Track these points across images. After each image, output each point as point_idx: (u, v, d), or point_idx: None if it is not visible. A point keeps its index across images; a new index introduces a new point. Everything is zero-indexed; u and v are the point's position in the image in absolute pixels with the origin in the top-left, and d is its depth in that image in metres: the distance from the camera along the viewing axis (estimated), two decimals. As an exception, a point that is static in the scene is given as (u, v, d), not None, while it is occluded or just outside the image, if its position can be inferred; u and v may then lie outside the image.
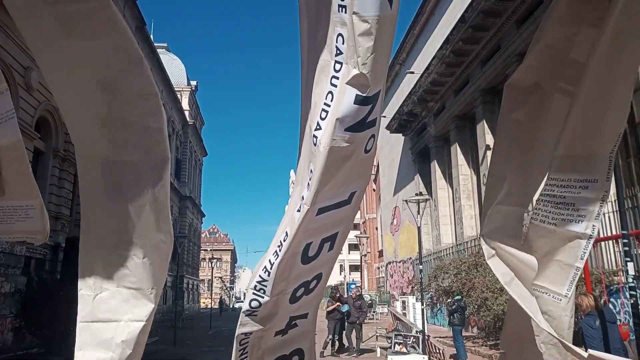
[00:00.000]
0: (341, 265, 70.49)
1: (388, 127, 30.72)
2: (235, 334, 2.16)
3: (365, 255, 46.92)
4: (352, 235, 63.38)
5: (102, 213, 2.12)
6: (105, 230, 2.13)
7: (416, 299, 17.85)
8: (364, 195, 44.37)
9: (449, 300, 12.36)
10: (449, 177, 24.55)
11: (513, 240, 2.50)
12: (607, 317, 5.44)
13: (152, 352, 13.58)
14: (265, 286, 2.02)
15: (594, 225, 2.25)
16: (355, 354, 12.64)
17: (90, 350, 2.12)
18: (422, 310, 11.60)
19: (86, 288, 2.22)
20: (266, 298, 2.03)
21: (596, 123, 2.16)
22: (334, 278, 66.56)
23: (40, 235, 2.78)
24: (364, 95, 1.94)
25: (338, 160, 1.95)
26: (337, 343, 12.97)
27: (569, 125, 2.19)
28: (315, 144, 1.93)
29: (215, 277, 70.57)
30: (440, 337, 13.74)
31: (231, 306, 68.40)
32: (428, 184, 26.91)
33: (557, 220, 2.32)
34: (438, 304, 14.06)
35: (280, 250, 1.98)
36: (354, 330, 13.07)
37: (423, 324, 11.40)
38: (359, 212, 56.52)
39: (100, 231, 2.14)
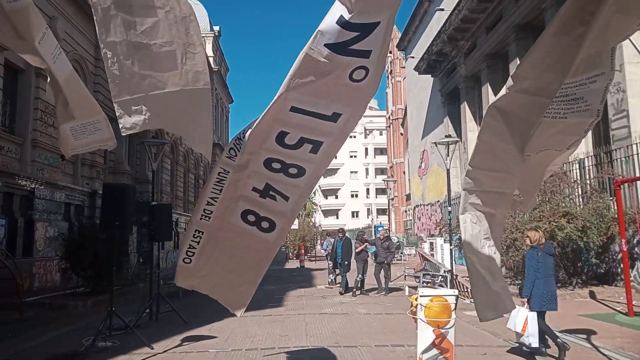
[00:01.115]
0: (369, 209, 71.20)
1: (416, 68, 29.85)
2: (215, 167, 2.71)
3: (392, 199, 47.13)
4: (379, 179, 63.37)
5: None
6: None
7: (444, 240, 18.02)
8: (391, 141, 43.79)
9: None
10: (479, 118, 23.98)
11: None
12: (546, 251, 6.31)
13: (189, 291, 14.24)
14: (240, 145, 2.54)
15: (598, 110, 2.67)
16: (384, 293, 13.01)
17: None
18: (451, 250, 11.74)
19: None
20: (239, 154, 2.56)
21: (604, 28, 2.42)
22: (362, 221, 67.45)
23: (111, 142, 3.32)
24: (347, 19, 2.04)
25: (314, 71, 2.17)
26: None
27: (589, 36, 2.44)
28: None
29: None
30: (467, 277, 13.94)
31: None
32: (457, 126, 26.40)
33: (568, 113, 2.69)
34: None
35: (254, 125, 2.43)
36: (382, 270, 13.37)
37: (451, 264, 11.58)
38: (386, 157, 56.13)
39: None
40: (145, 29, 2.58)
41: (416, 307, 3.13)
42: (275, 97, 2.30)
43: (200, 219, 2.88)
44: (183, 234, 31.29)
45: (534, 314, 6.00)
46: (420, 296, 3.08)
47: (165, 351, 6.94)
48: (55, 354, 6.76)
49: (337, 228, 17.58)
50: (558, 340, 6.03)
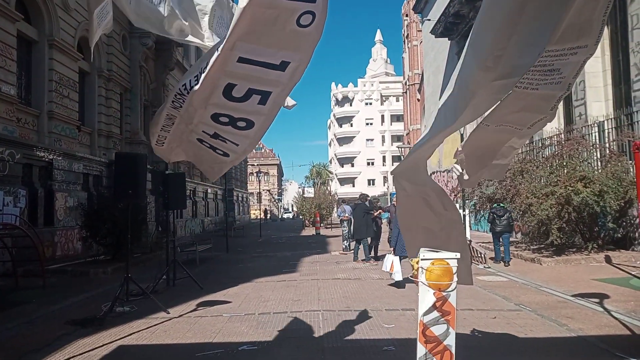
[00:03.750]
0: (385, 177, 71.00)
1: (433, 32, 29.12)
2: (161, 111, 2.77)
3: (409, 166, 46.79)
4: (394, 147, 62.79)
5: None
6: None
7: (459, 206, 17.92)
8: (407, 107, 42.97)
9: (494, 205, 12.47)
10: (496, 82, 23.43)
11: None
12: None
13: (206, 258, 14.60)
14: (184, 99, 2.52)
15: (569, 84, 2.57)
16: (397, 259, 13.10)
17: None
18: (465, 216, 11.69)
19: None
20: (184, 107, 2.56)
21: None
22: (378, 189, 67.37)
23: (109, 24, 3.40)
24: None
25: (258, 20, 2.16)
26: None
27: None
28: None
29: (263, 190, 73.10)
30: (482, 242, 13.92)
31: (279, 217, 71.20)
32: (474, 90, 25.84)
33: (540, 84, 2.57)
34: (482, 211, 14.08)
35: (200, 77, 2.38)
36: (396, 236, 13.43)
37: (465, 229, 11.55)
38: (402, 124, 55.25)
39: None
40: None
41: (417, 270, 3.12)
42: (220, 49, 2.27)
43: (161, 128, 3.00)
44: (200, 203, 31.60)
45: (398, 258, 8.86)
46: (422, 259, 3.06)
47: (180, 315, 7.14)
48: (76, 318, 7.00)
49: (352, 196, 17.54)
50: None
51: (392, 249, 9.11)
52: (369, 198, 14.37)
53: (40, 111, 14.71)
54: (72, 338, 5.99)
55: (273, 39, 2.26)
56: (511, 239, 16.08)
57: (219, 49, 2.29)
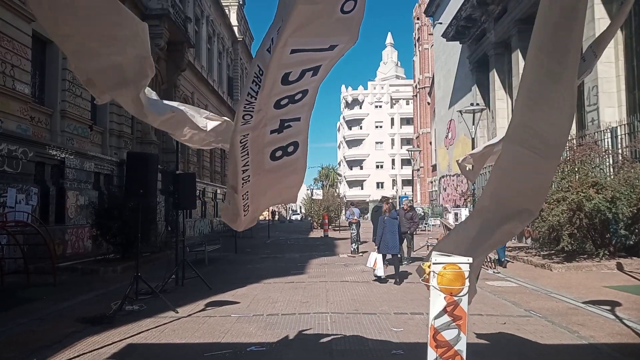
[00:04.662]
0: (394, 180, 70.82)
1: (444, 35, 29.03)
2: (234, 138, 2.82)
3: (418, 170, 46.70)
4: (404, 150, 62.64)
5: None
6: None
7: (469, 210, 17.82)
8: (417, 110, 43.14)
9: None
10: (508, 87, 23.28)
11: None
12: (391, 216, 10.31)
13: (215, 258, 14.64)
14: (253, 106, 2.65)
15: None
16: (406, 262, 13.04)
17: None
18: (474, 221, 11.62)
19: None
20: (254, 113, 2.69)
21: None
22: (386, 192, 67.17)
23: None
24: None
25: (306, 16, 2.28)
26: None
27: None
28: None
29: (271, 192, 73.06)
30: (492, 248, 13.86)
31: (288, 218, 71.25)
32: (486, 94, 25.71)
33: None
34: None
35: (260, 81, 2.52)
36: (405, 240, 13.36)
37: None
38: (412, 127, 55.31)
39: None
40: None
41: (429, 274, 3.10)
42: (273, 51, 2.40)
43: (243, 185, 3.12)
44: (219, 204, 31.62)
45: (381, 256, 9.95)
46: (433, 263, 3.04)
47: (189, 315, 7.16)
48: (86, 315, 7.05)
49: (361, 198, 17.46)
50: (398, 275, 10.01)
51: (376, 247, 10.26)
52: (390, 200, 14.44)
53: (53, 110, 14.87)
54: (82, 335, 6.03)
55: (321, 29, 2.39)
56: (521, 245, 15.97)
57: (271, 49, 2.41)
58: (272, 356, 5.17)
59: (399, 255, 10.52)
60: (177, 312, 7.23)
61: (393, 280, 10.00)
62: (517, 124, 2.80)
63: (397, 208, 17.81)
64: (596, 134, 13.57)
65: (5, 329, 6.53)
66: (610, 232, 11.68)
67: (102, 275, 11.61)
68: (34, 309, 7.79)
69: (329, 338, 5.86)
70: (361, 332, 6.05)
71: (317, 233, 31.36)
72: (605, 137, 13.19)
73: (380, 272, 9.89)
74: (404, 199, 19.61)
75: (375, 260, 9.93)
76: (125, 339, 5.87)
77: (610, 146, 12.92)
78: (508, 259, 11.54)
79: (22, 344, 5.81)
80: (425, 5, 37.96)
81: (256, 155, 3.03)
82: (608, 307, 7.13)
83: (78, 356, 5.21)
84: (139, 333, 6.14)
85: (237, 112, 2.74)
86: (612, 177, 11.64)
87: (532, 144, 2.73)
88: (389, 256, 10.32)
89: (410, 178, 54.11)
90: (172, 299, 7.96)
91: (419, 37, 49.32)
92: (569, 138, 13.67)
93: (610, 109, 13.79)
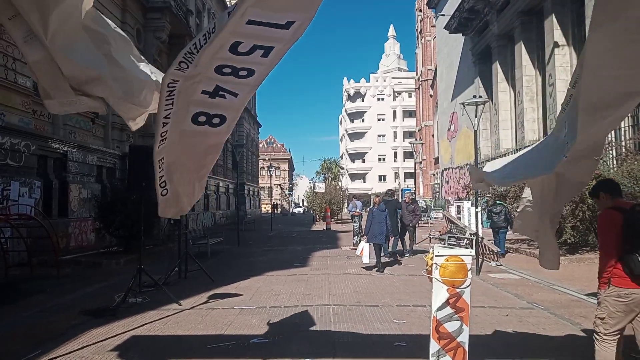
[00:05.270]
0: (396, 173, 70.74)
1: (447, 27, 28.88)
2: (165, 79, 2.76)
3: (420, 163, 46.60)
4: (407, 143, 62.49)
5: None
6: None
7: (471, 203, 17.82)
8: (419, 103, 42.97)
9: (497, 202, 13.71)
10: (511, 79, 23.19)
11: None
12: (379, 209, 10.78)
13: (217, 251, 14.67)
14: (193, 58, 2.61)
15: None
16: (408, 255, 13.06)
17: None
18: (477, 213, 11.59)
19: None
20: (191, 65, 2.64)
21: None
22: (389, 185, 67.15)
23: (100, 110, 3.43)
24: None
25: None
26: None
27: None
28: None
29: (274, 185, 73.29)
30: (492, 240, 13.82)
31: (290, 211, 71.33)
32: (488, 87, 25.61)
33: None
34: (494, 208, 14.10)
35: (209, 38, 2.51)
36: (407, 232, 13.37)
37: (477, 226, 11.45)
38: (414, 119, 54.95)
39: None
40: None
41: (431, 266, 3.10)
42: (232, 16, 2.41)
43: (160, 145, 3.02)
44: (211, 197, 31.78)
45: (369, 245, 10.64)
46: (436, 255, 3.04)
47: (192, 307, 7.19)
48: (89, 308, 7.09)
49: (363, 192, 17.50)
50: (379, 263, 10.60)
51: (365, 237, 10.87)
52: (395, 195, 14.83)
53: (56, 103, 14.83)
54: (85, 327, 6.06)
55: (281, 3, 2.38)
56: (523, 237, 15.94)
57: (231, 14, 2.41)
58: (275, 348, 5.19)
59: (383, 246, 11.01)
60: (180, 305, 7.26)
61: (375, 269, 10.58)
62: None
63: (400, 200, 17.82)
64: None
65: (10, 322, 6.57)
66: (613, 225, 11.65)
67: (105, 268, 11.66)
68: (38, 301, 7.83)
69: (332, 330, 5.88)
70: (363, 324, 6.07)
71: (319, 226, 31.41)
72: (609, 129, 13.14)
73: (366, 259, 10.66)
74: (406, 192, 19.58)
75: (362, 249, 10.72)
76: (128, 331, 5.90)
77: (613, 138, 12.86)
78: (509, 251, 11.60)
79: (26, 336, 5.84)
80: (428, -3, 37.69)
81: (179, 109, 2.96)
82: (611, 300, 7.11)
83: (82, 348, 5.23)
84: (142, 325, 6.17)
85: (177, 56, 2.71)
86: (615, 169, 11.59)
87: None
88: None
89: (413, 171, 54.07)
90: (175, 291, 7.99)
91: (421, 30, 49.00)
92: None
93: (614, 100, 13.73)
